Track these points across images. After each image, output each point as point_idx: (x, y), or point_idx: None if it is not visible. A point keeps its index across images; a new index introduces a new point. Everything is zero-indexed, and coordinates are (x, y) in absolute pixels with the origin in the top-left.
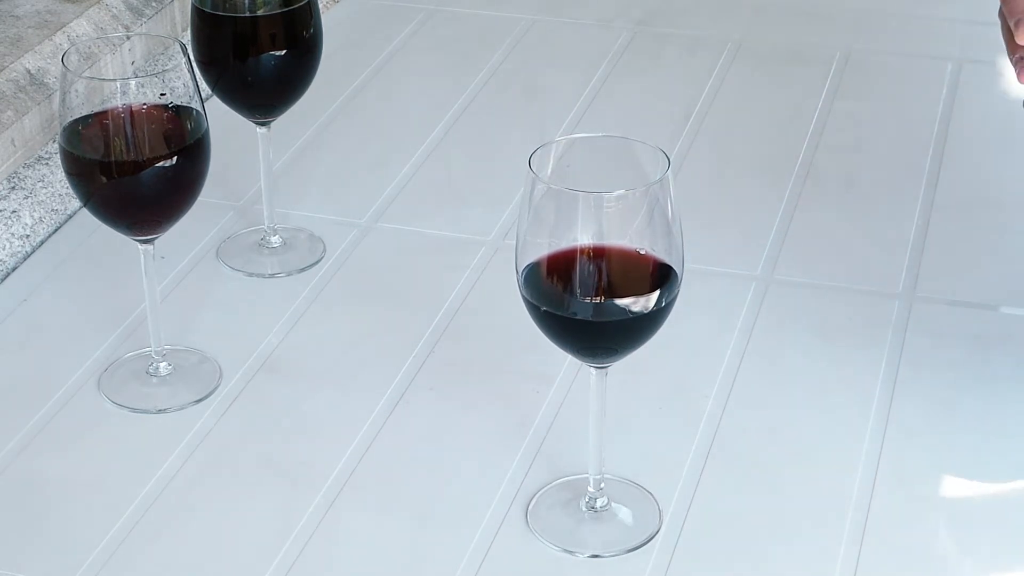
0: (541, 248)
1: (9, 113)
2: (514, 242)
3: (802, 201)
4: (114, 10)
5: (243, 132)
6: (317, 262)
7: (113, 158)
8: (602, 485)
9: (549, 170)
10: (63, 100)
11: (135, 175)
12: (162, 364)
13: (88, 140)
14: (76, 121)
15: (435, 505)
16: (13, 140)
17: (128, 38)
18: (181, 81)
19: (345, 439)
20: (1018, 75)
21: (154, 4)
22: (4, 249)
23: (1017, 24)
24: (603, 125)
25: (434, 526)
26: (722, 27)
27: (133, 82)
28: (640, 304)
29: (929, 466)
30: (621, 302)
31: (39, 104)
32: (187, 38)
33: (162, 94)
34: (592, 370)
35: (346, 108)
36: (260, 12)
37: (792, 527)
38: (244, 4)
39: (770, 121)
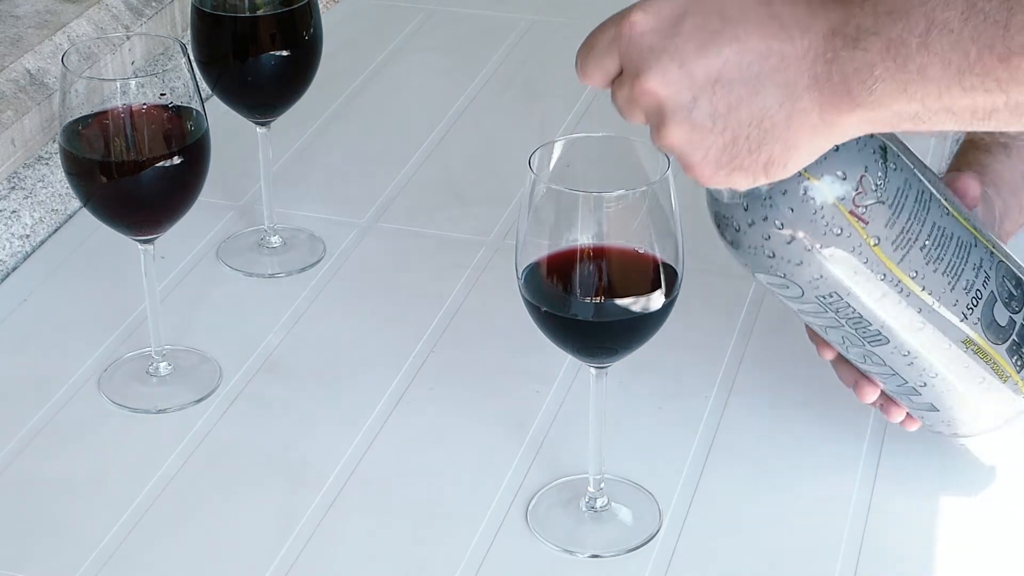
0: (541, 248)
1: (9, 113)
2: (514, 242)
3: None
4: (114, 10)
5: (243, 132)
6: (317, 262)
7: (113, 158)
8: (602, 485)
9: (549, 170)
10: (63, 100)
11: (135, 175)
12: (162, 364)
13: (88, 140)
14: (76, 121)
15: (435, 505)
16: (13, 140)
17: (128, 38)
18: (181, 81)
19: (345, 439)
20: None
21: (154, 4)
22: (4, 249)
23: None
24: (603, 125)
25: (434, 526)
26: None
27: (133, 82)
28: (640, 304)
29: (929, 466)
30: (621, 302)
31: (39, 104)
32: (187, 38)
33: (162, 94)
34: (592, 370)
35: (346, 108)
36: (260, 12)
37: (792, 527)
38: (244, 4)
39: None
